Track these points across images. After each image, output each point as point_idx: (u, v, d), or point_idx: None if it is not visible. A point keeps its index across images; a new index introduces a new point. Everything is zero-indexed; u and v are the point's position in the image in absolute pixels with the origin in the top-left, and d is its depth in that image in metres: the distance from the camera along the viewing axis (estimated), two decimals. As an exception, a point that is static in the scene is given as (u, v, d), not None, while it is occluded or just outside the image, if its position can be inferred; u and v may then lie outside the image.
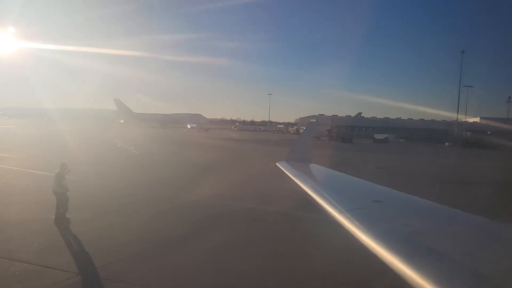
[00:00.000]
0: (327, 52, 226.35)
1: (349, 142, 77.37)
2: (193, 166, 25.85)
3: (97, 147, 37.79)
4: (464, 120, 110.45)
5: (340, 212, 3.94)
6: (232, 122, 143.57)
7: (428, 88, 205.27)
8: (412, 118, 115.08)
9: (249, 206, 14.77)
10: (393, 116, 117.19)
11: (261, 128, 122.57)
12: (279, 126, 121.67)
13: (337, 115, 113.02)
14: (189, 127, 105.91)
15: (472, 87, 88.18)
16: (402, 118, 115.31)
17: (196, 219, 12.63)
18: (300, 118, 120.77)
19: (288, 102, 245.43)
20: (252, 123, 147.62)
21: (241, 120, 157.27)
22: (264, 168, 24.30)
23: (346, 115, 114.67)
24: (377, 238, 3.11)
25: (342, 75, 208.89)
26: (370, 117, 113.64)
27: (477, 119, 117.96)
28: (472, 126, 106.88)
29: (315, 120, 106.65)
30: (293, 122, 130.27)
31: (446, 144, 78.80)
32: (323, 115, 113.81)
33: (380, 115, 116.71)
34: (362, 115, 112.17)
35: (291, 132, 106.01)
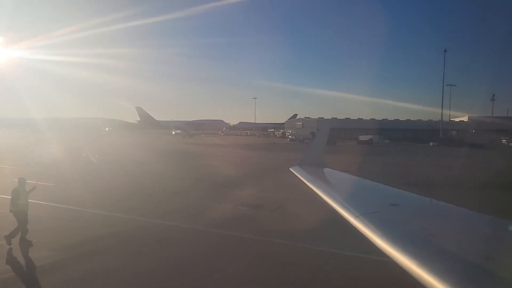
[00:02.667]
0: (316, 53, 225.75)
1: (332, 144, 76.25)
2: (136, 177, 24.49)
3: (59, 157, 36.49)
4: (451, 119, 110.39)
5: (356, 217, 3.89)
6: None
7: (416, 87, 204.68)
8: (398, 119, 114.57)
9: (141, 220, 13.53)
10: (379, 117, 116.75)
11: (247, 133, 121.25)
12: (269, 129, 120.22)
13: (323, 118, 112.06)
14: (173, 133, 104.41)
15: (455, 85, 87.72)
16: (388, 119, 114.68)
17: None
18: (286, 121, 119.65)
19: (280, 103, 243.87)
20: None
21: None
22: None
23: (332, 117, 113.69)
24: (394, 243, 3.05)
25: (330, 77, 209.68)
26: (356, 118, 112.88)
27: (465, 118, 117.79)
28: (459, 125, 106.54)
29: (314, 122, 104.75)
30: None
31: (431, 143, 78.13)
32: (308, 117, 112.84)
33: (368, 117, 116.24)
34: (323, 117, 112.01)
35: (277, 135, 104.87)
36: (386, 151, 56.50)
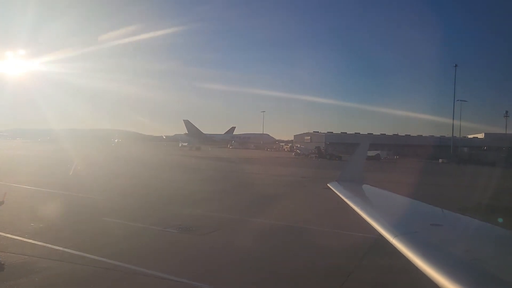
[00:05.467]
0: (331, 68, 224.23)
1: (338, 159, 74.85)
2: (110, 188, 23.95)
3: (45, 167, 36.55)
4: (467, 136, 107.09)
5: (395, 236, 3.75)
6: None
7: (429, 102, 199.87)
8: (409, 135, 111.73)
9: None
10: (390, 132, 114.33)
11: (253, 146, 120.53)
12: (281, 144, 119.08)
13: (332, 132, 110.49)
14: (180, 145, 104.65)
15: (466, 101, 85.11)
16: (399, 134, 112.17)
17: None
18: (295, 136, 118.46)
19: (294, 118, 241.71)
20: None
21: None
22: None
23: (342, 132, 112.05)
24: (437, 266, 2.93)
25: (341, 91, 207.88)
26: (366, 133, 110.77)
27: (481, 135, 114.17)
28: (472, 142, 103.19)
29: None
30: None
31: (440, 160, 75.74)
32: (317, 132, 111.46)
33: (379, 132, 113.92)
34: (332, 131, 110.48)
35: (286, 149, 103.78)
36: (388, 168, 54.86)
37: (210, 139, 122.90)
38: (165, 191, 22.78)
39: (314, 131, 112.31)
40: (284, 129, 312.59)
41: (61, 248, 10.44)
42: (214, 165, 46.81)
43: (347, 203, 6.08)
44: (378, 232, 4.21)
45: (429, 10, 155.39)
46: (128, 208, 17.07)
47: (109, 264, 9.33)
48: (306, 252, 11.26)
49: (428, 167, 55.52)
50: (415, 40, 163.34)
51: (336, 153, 79.94)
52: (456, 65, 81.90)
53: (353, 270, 9.72)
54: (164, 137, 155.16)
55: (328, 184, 7.84)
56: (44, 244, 10.75)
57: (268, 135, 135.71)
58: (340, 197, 6.64)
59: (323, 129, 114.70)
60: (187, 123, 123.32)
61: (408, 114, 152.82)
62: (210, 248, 11.45)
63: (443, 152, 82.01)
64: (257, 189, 25.30)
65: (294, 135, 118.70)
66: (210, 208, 17.54)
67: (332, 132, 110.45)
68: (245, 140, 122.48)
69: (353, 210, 5.53)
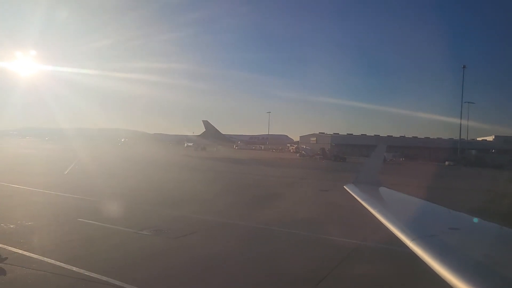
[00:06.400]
0: (337, 69, 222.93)
1: (343, 161, 74.22)
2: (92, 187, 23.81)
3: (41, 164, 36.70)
4: (473, 138, 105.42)
5: (413, 240, 3.73)
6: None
7: (437, 104, 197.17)
8: (416, 137, 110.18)
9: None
10: (398, 134, 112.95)
11: (261, 147, 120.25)
12: (287, 144, 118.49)
13: (338, 133, 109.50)
14: (185, 145, 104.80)
15: (473, 103, 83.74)
16: (406, 136, 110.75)
17: None
18: (301, 137, 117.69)
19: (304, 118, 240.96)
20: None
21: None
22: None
23: (348, 133, 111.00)
24: (455, 270, 2.87)
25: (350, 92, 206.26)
26: (373, 135, 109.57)
27: (491, 138, 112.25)
28: (481, 144, 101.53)
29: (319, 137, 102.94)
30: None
31: (446, 163, 74.58)
32: (323, 133, 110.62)
33: (385, 133, 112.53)
34: (338, 132, 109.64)
35: (291, 150, 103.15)
36: (390, 170, 53.97)
37: (229, 140, 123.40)
38: (155, 192, 22.57)
39: (320, 132, 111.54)
40: (298, 129, 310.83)
41: (13, 249, 10.18)
42: (209, 165, 46.75)
43: (363, 205, 6.03)
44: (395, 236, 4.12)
45: (439, 12, 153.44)
46: (111, 208, 16.77)
47: (57, 268, 8.99)
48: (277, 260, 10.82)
49: (431, 170, 54.45)
50: (423, 41, 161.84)
51: (341, 155, 79.25)
52: (464, 66, 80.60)
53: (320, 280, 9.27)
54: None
55: (344, 186, 7.77)
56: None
57: (287, 136, 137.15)
58: (356, 199, 6.59)
59: (330, 130, 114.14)
60: (206, 124, 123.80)
61: (416, 115, 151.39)
62: (174, 252, 10.99)
63: (450, 154, 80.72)
64: (244, 191, 25.00)
65: (300, 136, 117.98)
66: (194, 210, 17.19)
67: (338, 134, 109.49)
68: (264, 141, 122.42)
69: (370, 212, 5.46)
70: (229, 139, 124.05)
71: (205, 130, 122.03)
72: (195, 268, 9.73)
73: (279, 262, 10.33)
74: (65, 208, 16.68)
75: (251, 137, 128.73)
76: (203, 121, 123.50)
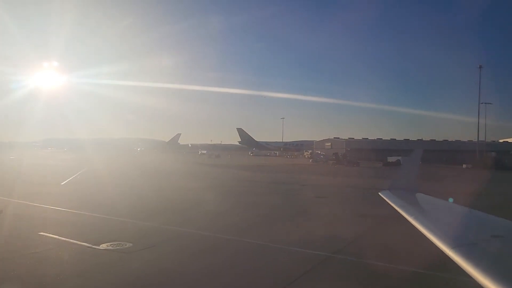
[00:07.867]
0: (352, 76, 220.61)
1: (356, 165, 73.21)
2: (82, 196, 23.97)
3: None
4: (493, 140, 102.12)
5: (452, 248, 3.58)
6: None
7: (456, 106, 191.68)
8: (434, 139, 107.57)
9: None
10: (415, 137, 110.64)
11: (276, 153, 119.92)
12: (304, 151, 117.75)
13: (353, 138, 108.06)
14: (199, 153, 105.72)
15: (491, 104, 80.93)
16: (423, 139, 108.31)
17: None
18: (315, 142, 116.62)
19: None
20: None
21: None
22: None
23: (363, 138, 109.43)
24: (497, 280, 2.74)
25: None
26: (389, 139, 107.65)
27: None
28: (501, 146, 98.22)
29: (327, 143, 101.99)
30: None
31: (464, 166, 72.46)
32: (338, 138, 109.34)
33: (402, 137, 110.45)
34: (338, 137, 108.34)
35: (306, 156, 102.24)
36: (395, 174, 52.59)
37: (263, 147, 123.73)
38: (146, 202, 21.90)
39: (334, 137, 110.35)
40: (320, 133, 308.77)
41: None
42: (217, 172, 46.62)
43: (399, 213, 5.80)
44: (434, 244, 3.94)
45: (453, 13, 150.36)
46: (84, 221, 16.09)
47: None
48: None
49: (443, 173, 52.75)
50: (438, 42, 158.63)
51: (354, 159, 78.12)
52: (480, 66, 78.11)
53: None
54: (190, 145, 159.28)
55: (379, 193, 7.53)
56: None
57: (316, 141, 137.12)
58: (392, 206, 6.33)
59: (345, 135, 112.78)
60: (240, 131, 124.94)
61: (436, 117, 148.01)
62: (121, 268, 10.15)
63: (469, 157, 78.26)
64: (237, 197, 24.79)
65: (315, 141, 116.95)
66: (168, 221, 16.17)
67: (353, 138, 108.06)
68: (298, 148, 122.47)
69: (406, 220, 5.26)
70: (264, 146, 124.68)
71: (240, 138, 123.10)
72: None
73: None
74: (34, 220, 15.87)
75: (285, 143, 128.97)
76: (237, 129, 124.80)
